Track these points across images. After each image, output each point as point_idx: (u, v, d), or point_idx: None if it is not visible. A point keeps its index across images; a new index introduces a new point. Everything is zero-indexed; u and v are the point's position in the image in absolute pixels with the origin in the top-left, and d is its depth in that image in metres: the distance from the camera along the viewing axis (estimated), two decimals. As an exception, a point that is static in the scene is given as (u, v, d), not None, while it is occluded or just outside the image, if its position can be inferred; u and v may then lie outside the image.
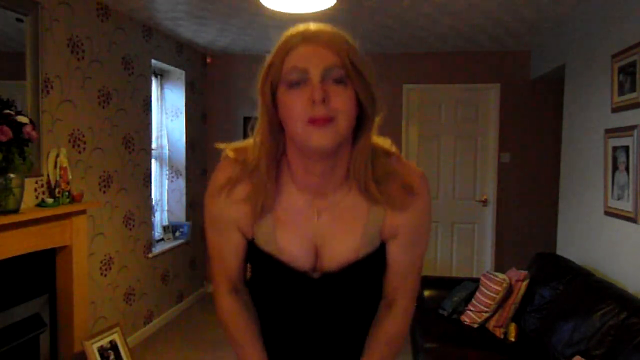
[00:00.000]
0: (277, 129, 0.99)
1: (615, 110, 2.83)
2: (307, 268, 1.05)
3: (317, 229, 1.03)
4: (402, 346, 1.15)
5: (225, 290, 1.13)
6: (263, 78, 0.97)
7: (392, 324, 1.11)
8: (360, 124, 0.98)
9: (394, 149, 1.06)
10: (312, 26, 0.96)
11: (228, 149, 1.06)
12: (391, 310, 1.11)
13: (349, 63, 0.92)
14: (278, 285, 1.09)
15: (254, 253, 1.08)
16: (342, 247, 1.03)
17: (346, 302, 1.10)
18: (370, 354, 1.11)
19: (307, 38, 0.94)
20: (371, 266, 1.06)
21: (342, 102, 0.92)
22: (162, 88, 4.70)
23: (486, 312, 3.08)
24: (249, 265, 1.15)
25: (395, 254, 1.06)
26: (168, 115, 4.72)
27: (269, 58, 0.97)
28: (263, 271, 1.11)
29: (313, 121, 0.90)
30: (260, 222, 1.04)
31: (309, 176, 1.01)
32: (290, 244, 1.03)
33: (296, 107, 0.92)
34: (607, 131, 2.91)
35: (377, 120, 1.01)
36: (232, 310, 1.13)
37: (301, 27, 0.97)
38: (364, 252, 1.04)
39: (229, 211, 1.05)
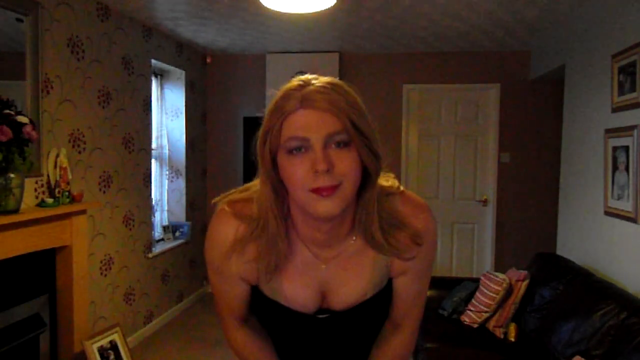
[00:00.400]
0: (280, 187, 0.95)
1: (615, 110, 2.83)
2: (313, 311, 1.04)
3: (323, 277, 1.02)
4: None
5: (234, 324, 1.12)
6: (261, 142, 0.93)
7: (400, 345, 1.13)
8: (365, 179, 0.94)
9: (396, 184, 1.03)
10: (310, 83, 0.90)
11: (224, 202, 1.02)
12: (398, 332, 1.12)
13: (351, 125, 0.87)
14: (282, 323, 1.09)
15: (258, 296, 1.07)
16: (350, 292, 1.02)
17: (352, 335, 1.10)
18: None
19: (305, 101, 0.87)
20: (378, 302, 1.06)
21: (346, 166, 0.87)
22: (162, 88, 4.70)
23: (486, 312, 3.08)
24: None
25: (403, 285, 1.06)
26: (168, 115, 4.73)
27: (265, 121, 0.92)
28: (267, 311, 1.09)
29: (317, 191, 0.87)
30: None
31: (314, 233, 0.98)
32: (297, 293, 1.02)
33: (298, 175, 0.88)
34: (607, 131, 2.91)
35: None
36: (244, 341, 1.13)
37: (295, 83, 0.91)
38: (371, 293, 1.03)
39: (237, 270, 1.02)
